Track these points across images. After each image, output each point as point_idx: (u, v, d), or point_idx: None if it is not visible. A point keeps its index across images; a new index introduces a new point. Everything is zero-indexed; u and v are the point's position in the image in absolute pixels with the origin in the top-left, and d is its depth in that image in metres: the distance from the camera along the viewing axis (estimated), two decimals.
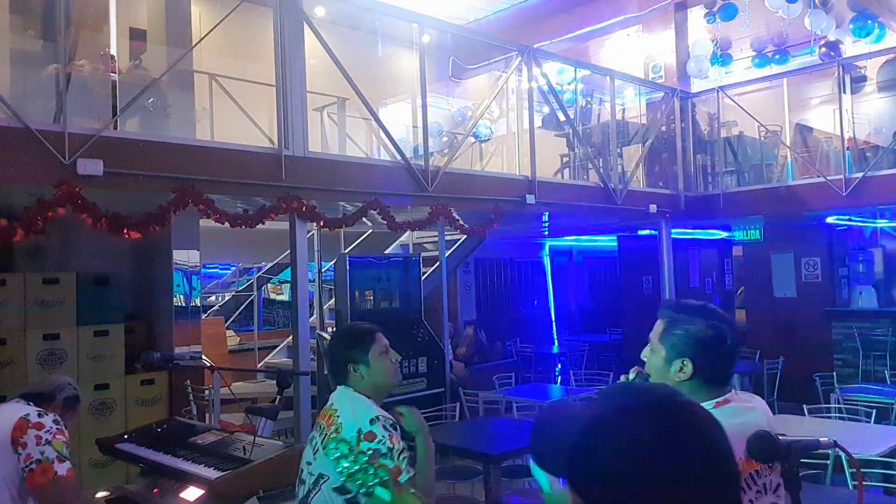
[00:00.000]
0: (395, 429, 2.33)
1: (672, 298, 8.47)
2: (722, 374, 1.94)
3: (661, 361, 1.93)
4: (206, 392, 6.07)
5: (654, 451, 0.93)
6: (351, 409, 2.36)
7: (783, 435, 1.59)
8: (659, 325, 1.97)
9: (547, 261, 12.36)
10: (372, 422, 2.29)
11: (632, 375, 2.04)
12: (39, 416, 2.65)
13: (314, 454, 2.35)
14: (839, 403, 5.64)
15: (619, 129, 8.79)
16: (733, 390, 1.95)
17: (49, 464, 2.54)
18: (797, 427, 4.93)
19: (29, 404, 2.76)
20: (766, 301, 9.51)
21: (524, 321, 11.55)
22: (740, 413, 1.86)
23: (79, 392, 2.99)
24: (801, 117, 9.91)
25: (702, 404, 1.76)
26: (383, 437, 2.26)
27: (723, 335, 1.92)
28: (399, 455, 2.25)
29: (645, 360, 2.00)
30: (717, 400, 1.88)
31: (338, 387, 2.48)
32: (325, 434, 2.32)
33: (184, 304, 6.33)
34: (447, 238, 7.98)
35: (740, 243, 10.26)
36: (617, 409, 0.99)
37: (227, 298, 10.88)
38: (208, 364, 6.31)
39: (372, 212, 5.93)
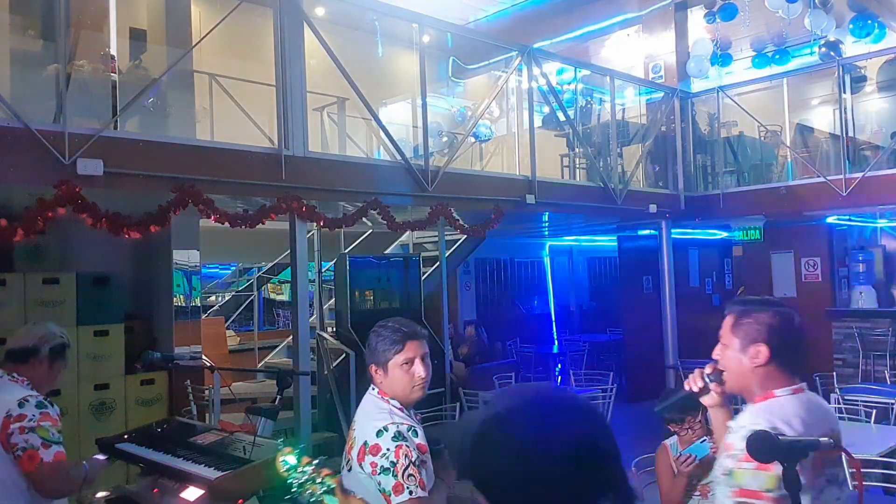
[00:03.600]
0: (416, 435, 2.18)
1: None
2: (795, 358, 1.96)
3: (735, 352, 1.96)
4: (206, 392, 6.07)
5: (525, 449, 0.98)
6: (365, 418, 2.27)
7: (783, 435, 1.59)
8: (729, 320, 2.01)
9: (547, 261, 12.36)
10: (379, 433, 2.17)
11: (707, 370, 2.06)
12: (21, 405, 2.58)
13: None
14: (839, 403, 5.63)
15: (619, 129, 8.79)
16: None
17: (34, 451, 2.52)
18: None
19: (9, 375, 2.71)
20: None
21: (524, 321, 11.55)
22: (821, 403, 1.97)
23: (66, 339, 2.89)
24: (801, 117, 9.91)
25: (778, 390, 1.88)
26: (388, 450, 2.13)
27: (791, 319, 1.96)
28: (404, 471, 2.10)
29: (716, 358, 2.03)
30: (795, 387, 1.92)
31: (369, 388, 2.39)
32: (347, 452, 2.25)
33: (184, 304, 6.33)
34: (447, 238, 7.99)
35: (740, 243, 10.26)
36: (497, 412, 1.04)
37: (227, 298, 10.88)
38: (208, 364, 6.31)
39: (372, 212, 5.93)
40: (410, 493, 2.09)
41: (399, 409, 2.30)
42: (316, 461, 2.10)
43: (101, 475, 2.88)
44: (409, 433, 2.18)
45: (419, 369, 2.31)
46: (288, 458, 2.08)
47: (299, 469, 2.07)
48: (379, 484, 2.12)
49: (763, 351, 1.90)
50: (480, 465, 1.01)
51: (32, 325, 2.97)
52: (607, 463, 1.01)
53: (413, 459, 2.13)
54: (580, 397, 1.09)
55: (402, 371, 2.29)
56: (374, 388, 2.36)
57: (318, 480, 2.05)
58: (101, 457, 2.98)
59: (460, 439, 1.08)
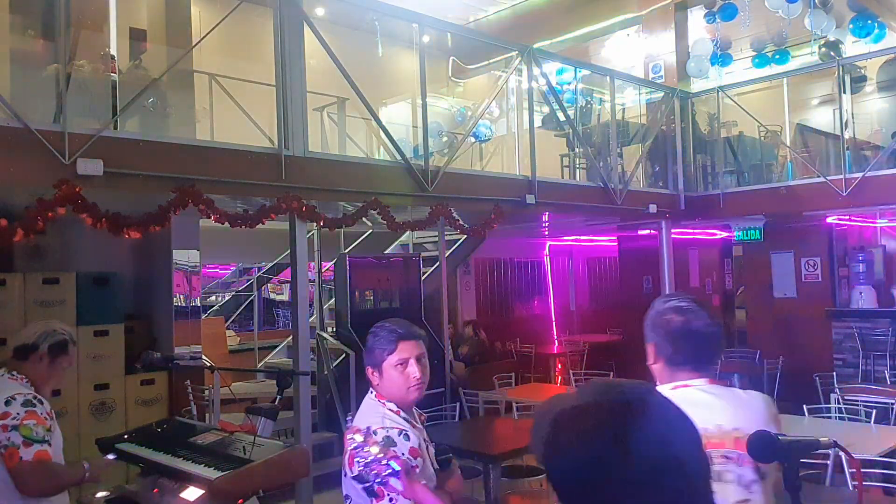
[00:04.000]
0: (407, 439, 2.15)
1: None
2: (681, 357, 1.85)
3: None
4: (206, 392, 6.07)
5: (601, 449, 0.91)
6: (360, 423, 2.25)
7: (783, 435, 1.59)
8: None
9: (547, 261, 12.36)
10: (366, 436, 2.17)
11: None
12: (8, 403, 2.57)
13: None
14: (839, 403, 5.63)
15: (618, 129, 8.79)
16: (707, 380, 1.85)
17: (14, 449, 2.51)
18: (797, 427, 4.93)
19: (9, 373, 2.72)
20: (766, 301, 9.51)
21: (524, 321, 11.55)
22: (692, 402, 1.82)
23: (69, 336, 2.86)
24: (801, 117, 9.91)
25: (659, 387, 1.75)
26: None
27: (679, 315, 1.85)
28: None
29: None
30: (677, 384, 1.83)
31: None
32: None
33: (184, 304, 6.33)
34: (447, 238, 7.99)
35: (740, 243, 10.26)
36: (577, 405, 0.97)
37: (227, 298, 10.88)
38: (208, 364, 6.31)
39: (372, 212, 5.93)
40: (391, 500, 2.07)
41: (395, 411, 2.26)
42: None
43: (108, 473, 2.87)
44: (400, 437, 2.15)
45: (414, 370, 2.27)
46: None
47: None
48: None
49: (650, 351, 1.88)
50: (550, 455, 0.96)
51: (38, 322, 2.95)
52: (694, 481, 0.94)
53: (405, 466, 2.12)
54: (675, 405, 1.00)
55: (397, 372, 2.26)
56: (372, 392, 2.34)
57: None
58: (110, 456, 2.98)
59: (535, 425, 1.02)
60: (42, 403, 2.66)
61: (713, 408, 1.79)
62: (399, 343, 2.27)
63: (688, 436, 0.96)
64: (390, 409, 2.26)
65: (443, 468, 2.32)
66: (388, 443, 2.12)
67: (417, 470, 2.14)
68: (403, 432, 2.17)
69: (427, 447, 2.29)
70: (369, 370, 2.32)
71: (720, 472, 1.78)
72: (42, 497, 2.64)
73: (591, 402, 0.97)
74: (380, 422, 2.19)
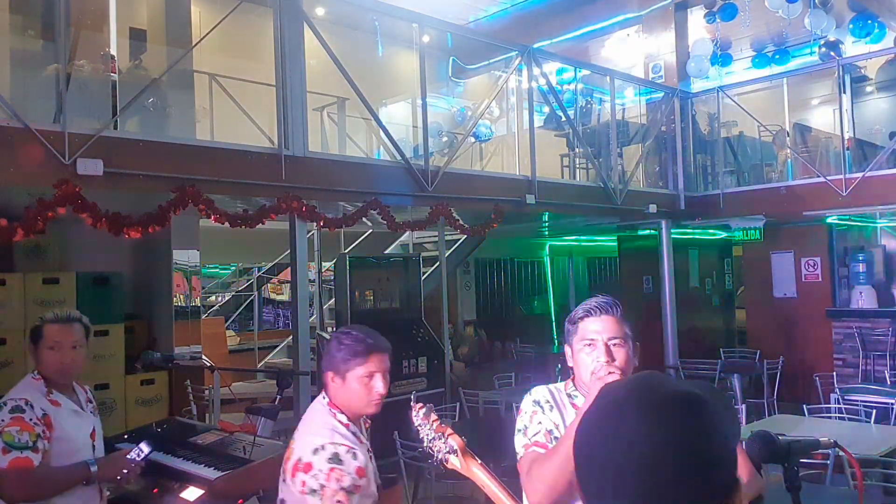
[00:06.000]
0: (354, 458, 2.08)
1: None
2: None
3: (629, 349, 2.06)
4: (206, 392, 6.07)
5: (585, 433, 0.92)
6: (306, 431, 2.20)
7: (783, 435, 1.60)
8: (615, 320, 2.08)
9: (547, 261, 12.36)
10: (315, 451, 2.08)
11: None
12: None
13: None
14: (839, 403, 5.63)
15: (618, 129, 8.80)
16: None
17: None
18: (797, 427, 4.93)
19: (32, 372, 2.72)
20: (766, 301, 9.50)
21: (524, 321, 11.55)
22: None
23: (42, 322, 2.74)
24: (801, 117, 9.91)
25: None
26: (319, 471, 2.05)
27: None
28: (332, 496, 2.02)
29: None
30: None
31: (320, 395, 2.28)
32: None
33: (184, 304, 6.34)
34: (447, 238, 7.99)
35: (740, 243, 10.26)
36: (601, 398, 0.97)
37: (227, 298, 10.88)
38: (208, 364, 6.31)
39: (372, 212, 5.93)
40: None
41: (345, 424, 2.19)
42: (438, 420, 2.04)
43: (134, 468, 2.75)
44: (347, 455, 2.07)
45: (379, 385, 2.20)
46: (419, 413, 2.03)
47: (427, 426, 2.01)
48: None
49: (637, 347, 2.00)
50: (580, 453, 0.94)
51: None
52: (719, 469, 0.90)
53: (345, 485, 2.04)
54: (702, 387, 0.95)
55: (361, 384, 2.18)
56: (324, 397, 2.25)
57: (443, 440, 1.99)
58: (144, 446, 2.76)
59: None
60: (32, 408, 2.58)
61: None
62: (371, 355, 2.19)
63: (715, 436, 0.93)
64: (340, 422, 2.19)
65: (386, 487, 2.30)
66: (335, 460, 2.06)
67: (360, 490, 2.08)
68: (352, 451, 2.09)
69: (370, 462, 2.22)
70: (329, 375, 2.21)
71: None
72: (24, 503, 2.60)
73: (612, 396, 0.97)
74: (329, 436, 2.12)
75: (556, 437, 1.96)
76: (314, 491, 2.02)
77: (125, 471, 2.73)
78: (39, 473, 2.56)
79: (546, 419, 2.00)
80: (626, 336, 1.98)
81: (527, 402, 2.08)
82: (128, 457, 2.75)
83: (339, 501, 2.02)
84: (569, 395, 2.08)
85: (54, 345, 2.70)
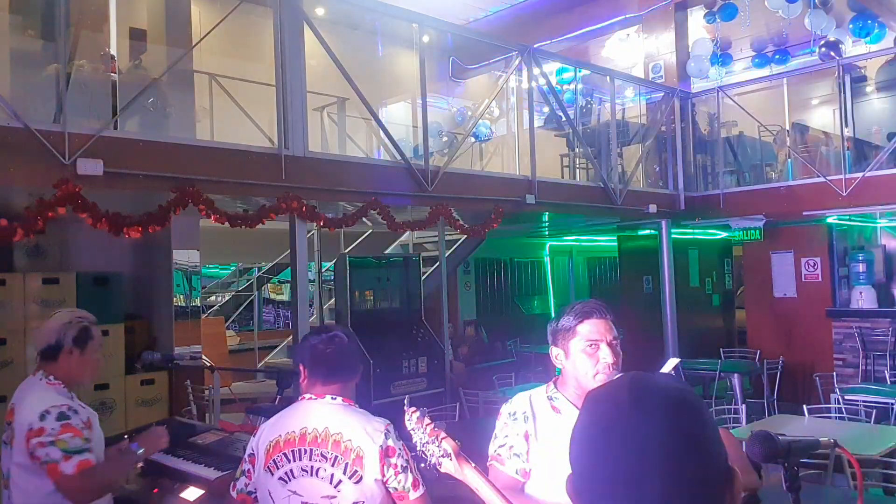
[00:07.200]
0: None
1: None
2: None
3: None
4: (206, 392, 6.06)
5: (588, 440, 0.94)
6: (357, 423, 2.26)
7: (783, 435, 1.59)
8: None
9: (547, 261, 12.36)
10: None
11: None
12: (42, 418, 2.52)
13: (338, 486, 2.18)
14: (839, 403, 5.63)
15: (618, 129, 8.80)
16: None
17: (55, 464, 2.49)
18: (797, 427, 4.93)
19: (46, 377, 2.65)
20: (766, 301, 9.50)
21: (524, 321, 11.54)
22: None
23: (86, 321, 2.72)
24: (801, 117, 9.91)
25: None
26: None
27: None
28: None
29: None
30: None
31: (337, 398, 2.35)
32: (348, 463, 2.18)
33: (184, 304, 6.33)
34: (447, 238, 7.98)
35: (740, 243, 10.26)
36: (595, 403, 0.99)
37: (227, 298, 10.88)
38: (208, 364, 6.31)
39: (372, 212, 5.93)
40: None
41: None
42: (432, 424, 2.09)
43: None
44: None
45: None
46: (413, 417, 2.06)
47: (421, 430, 2.05)
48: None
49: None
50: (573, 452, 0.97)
51: (51, 318, 2.78)
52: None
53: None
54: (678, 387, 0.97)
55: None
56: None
57: (436, 444, 2.03)
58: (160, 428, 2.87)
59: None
60: (77, 413, 2.58)
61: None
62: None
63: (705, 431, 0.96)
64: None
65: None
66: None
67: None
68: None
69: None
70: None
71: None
72: (94, 500, 2.61)
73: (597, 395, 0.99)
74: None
75: (516, 454, 2.11)
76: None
77: (165, 441, 2.86)
78: (102, 469, 2.59)
79: (512, 432, 2.14)
80: (617, 338, 2.12)
81: (503, 411, 2.21)
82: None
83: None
84: (549, 398, 2.16)
85: (99, 346, 2.76)
